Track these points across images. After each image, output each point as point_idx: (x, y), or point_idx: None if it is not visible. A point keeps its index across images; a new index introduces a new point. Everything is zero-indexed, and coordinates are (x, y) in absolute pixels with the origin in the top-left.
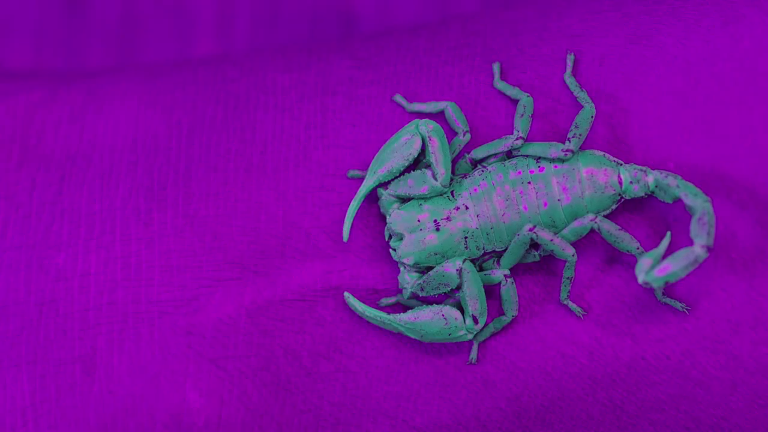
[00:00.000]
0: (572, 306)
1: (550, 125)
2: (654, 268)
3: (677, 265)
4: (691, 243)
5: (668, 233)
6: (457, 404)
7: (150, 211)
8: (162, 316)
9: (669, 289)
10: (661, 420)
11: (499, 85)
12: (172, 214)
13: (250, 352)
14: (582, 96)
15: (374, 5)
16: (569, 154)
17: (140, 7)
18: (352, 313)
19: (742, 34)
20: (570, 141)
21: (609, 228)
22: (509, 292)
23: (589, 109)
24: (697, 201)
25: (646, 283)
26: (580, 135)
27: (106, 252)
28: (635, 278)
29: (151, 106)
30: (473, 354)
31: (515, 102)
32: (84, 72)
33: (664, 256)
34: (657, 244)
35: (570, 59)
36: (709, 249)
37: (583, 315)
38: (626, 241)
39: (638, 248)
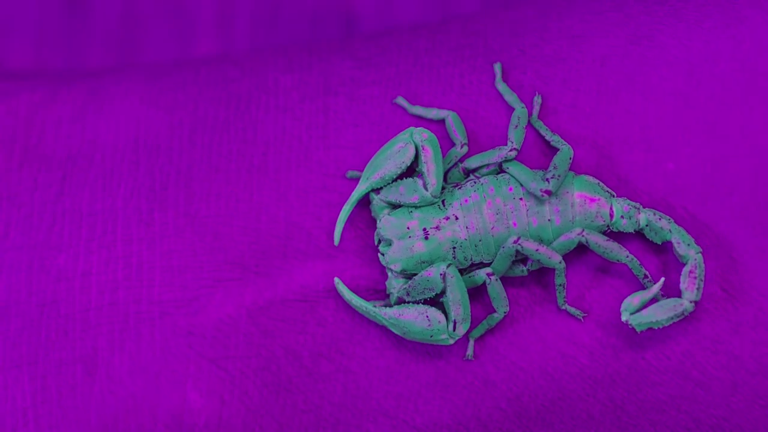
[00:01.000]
0: (571, 310)
1: (552, 127)
2: (640, 311)
3: (663, 314)
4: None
5: (662, 279)
6: (457, 404)
7: (151, 211)
8: (163, 316)
9: (665, 289)
10: (661, 420)
11: (500, 86)
12: (173, 214)
13: (250, 352)
14: (556, 139)
15: (374, 5)
16: (546, 196)
17: (141, 7)
18: (354, 313)
19: (743, 36)
20: (549, 182)
21: (597, 240)
22: (495, 289)
23: (566, 150)
24: (689, 251)
25: (631, 326)
26: (559, 176)
27: (107, 252)
28: (635, 279)
29: (152, 106)
30: (469, 350)
31: (513, 107)
32: (85, 72)
33: (652, 300)
34: (650, 251)
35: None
36: (696, 303)
37: (583, 317)
38: (615, 251)
39: (628, 256)
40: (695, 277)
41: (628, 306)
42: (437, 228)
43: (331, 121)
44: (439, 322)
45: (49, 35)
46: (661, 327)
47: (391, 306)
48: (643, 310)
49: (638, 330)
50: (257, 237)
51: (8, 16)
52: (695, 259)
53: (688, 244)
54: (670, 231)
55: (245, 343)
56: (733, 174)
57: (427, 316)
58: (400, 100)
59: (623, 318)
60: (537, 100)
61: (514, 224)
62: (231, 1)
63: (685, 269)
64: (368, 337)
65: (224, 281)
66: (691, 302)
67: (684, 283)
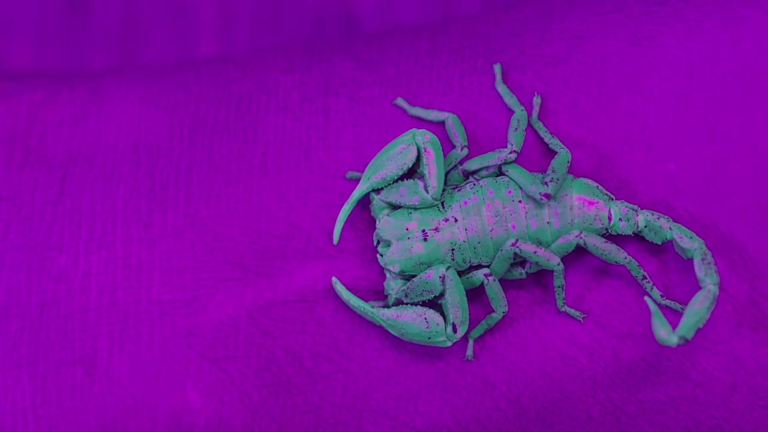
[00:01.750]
0: (571, 311)
1: (552, 127)
2: (680, 323)
3: (700, 308)
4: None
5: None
6: (457, 405)
7: (151, 211)
8: (162, 316)
9: (664, 292)
10: (661, 421)
11: (500, 88)
12: (172, 214)
13: (250, 352)
14: (554, 142)
15: (375, 6)
16: (545, 200)
17: (141, 7)
18: (353, 314)
19: (743, 36)
20: (548, 185)
21: (595, 242)
22: (493, 289)
23: (564, 154)
24: (693, 243)
25: (682, 338)
26: (557, 180)
27: (107, 253)
28: (635, 280)
29: (153, 107)
30: (469, 351)
31: (513, 110)
32: (86, 72)
33: (665, 308)
34: (649, 253)
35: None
36: (719, 285)
37: (583, 318)
38: (613, 253)
39: (626, 258)
40: (709, 263)
41: (665, 332)
42: (436, 230)
43: (331, 122)
44: (438, 324)
45: (50, 35)
46: (705, 322)
47: (389, 307)
48: (681, 319)
49: (689, 337)
50: (257, 237)
51: (8, 16)
52: (701, 249)
53: (690, 237)
54: (670, 229)
55: (245, 343)
56: (733, 174)
57: (426, 318)
58: (400, 101)
59: (672, 343)
60: (536, 100)
61: (513, 227)
62: (232, 1)
63: (696, 261)
64: (368, 338)
65: (224, 281)
66: (714, 285)
67: (701, 272)
